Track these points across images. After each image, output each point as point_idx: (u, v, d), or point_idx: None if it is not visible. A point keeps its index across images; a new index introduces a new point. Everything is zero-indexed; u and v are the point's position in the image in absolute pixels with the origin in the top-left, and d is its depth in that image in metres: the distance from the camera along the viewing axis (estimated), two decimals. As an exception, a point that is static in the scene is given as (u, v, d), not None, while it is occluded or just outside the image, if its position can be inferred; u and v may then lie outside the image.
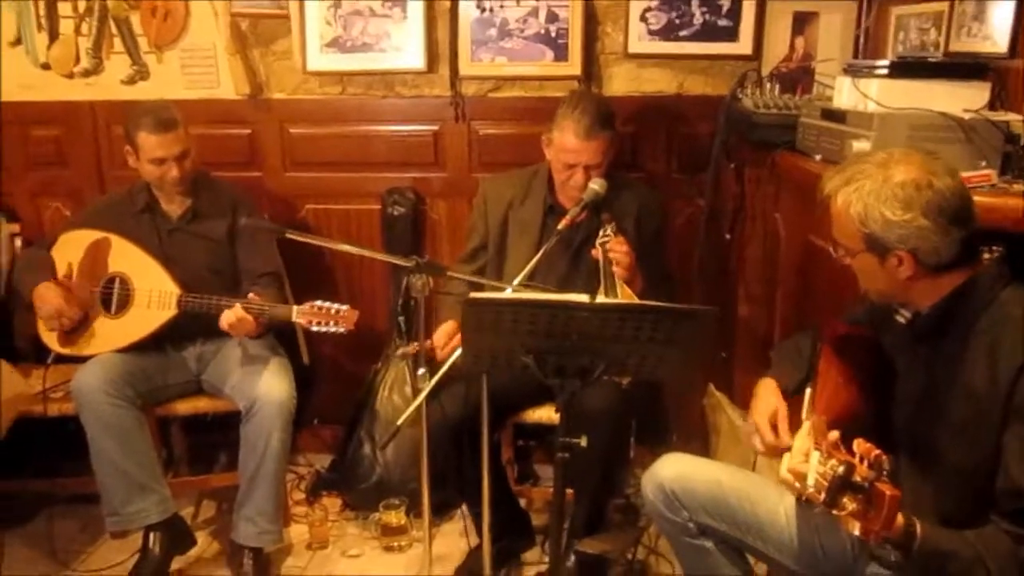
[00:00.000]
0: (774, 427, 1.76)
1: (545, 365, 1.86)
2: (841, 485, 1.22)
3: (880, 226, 1.47)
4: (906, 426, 1.60)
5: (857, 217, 1.49)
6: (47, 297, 2.61)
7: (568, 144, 2.44)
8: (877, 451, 1.25)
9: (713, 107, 2.87)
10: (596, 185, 2.42)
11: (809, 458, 1.36)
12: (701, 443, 2.98)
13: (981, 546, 1.35)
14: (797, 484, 1.33)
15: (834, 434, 1.39)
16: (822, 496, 1.25)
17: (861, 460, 1.25)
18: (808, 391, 1.77)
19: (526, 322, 1.79)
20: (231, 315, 2.49)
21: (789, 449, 1.73)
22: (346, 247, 2.12)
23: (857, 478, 1.22)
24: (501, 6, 2.95)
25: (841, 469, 1.22)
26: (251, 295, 2.53)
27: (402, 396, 2.99)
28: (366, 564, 2.78)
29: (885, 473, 1.23)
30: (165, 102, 2.77)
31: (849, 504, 1.23)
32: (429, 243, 3.20)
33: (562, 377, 1.87)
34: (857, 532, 1.23)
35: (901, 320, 1.63)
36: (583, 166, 2.46)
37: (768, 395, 1.82)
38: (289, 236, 2.12)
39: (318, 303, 2.44)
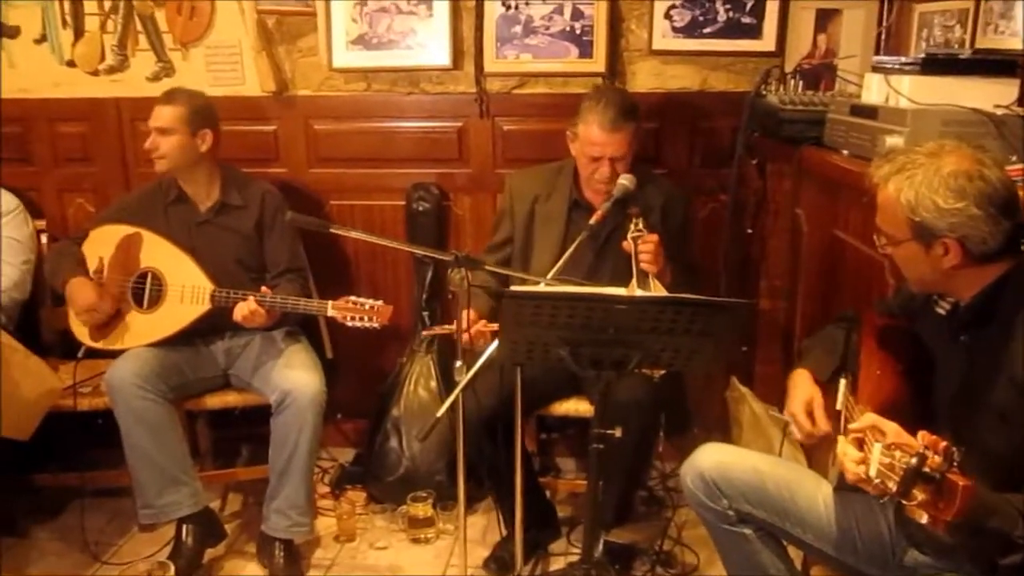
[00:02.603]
0: (810, 415, 1.81)
1: (580, 357, 1.89)
2: (914, 476, 1.24)
3: (931, 214, 1.50)
4: (946, 414, 1.62)
5: (908, 205, 1.52)
6: (81, 292, 2.64)
7: (593, 137, 2.47)
8: (945, 442, 1.28)
9: (736, 103, 2.90)
10: (626, 180, 2.46)
11: (868, 455, 1.37)
12: (722, 435, 3.01)
13: (1021, 506, 1.37)
14: (863, 476, 1.35)
15: (892, 425, 1.42)
16: (893, 487, 1.27)
17: (928, 450, 1.27)
18: (843, 382, 1.81)
19: (564, 315, 1.83)
20: (244, 308, 2.54)
21: (826, 436, 1.78)
22: (389, 242, 2.13)
23: (927, 469, 1.24)
24: (527, 3, 2.97)
25: (914, 460, 1.24)
26: (264, 288, 2.59)
27: (427, 390, 3.03)
28: (394, 556, 2.81)
29: (955, 464, 1.25)
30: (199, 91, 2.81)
31: (919, 495, 1.25)
32: (453, 238, 3.22)
33: (597, 369, 1.91)
34: (925, 521, 1.26)
35: (941, 311, 1.66)
36: (608, 158, 2.49)
37: (803, 385, 1.87)
38: (334, 231, 2.15)
39: (352, 298, 2.47)
